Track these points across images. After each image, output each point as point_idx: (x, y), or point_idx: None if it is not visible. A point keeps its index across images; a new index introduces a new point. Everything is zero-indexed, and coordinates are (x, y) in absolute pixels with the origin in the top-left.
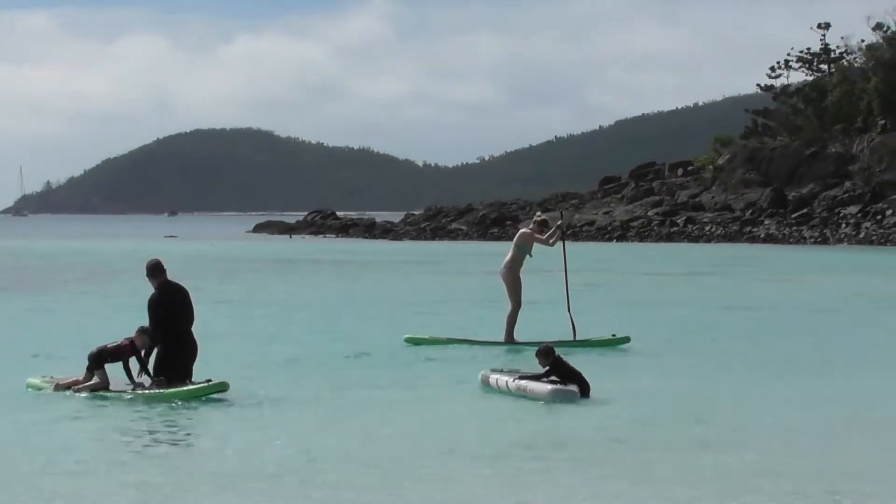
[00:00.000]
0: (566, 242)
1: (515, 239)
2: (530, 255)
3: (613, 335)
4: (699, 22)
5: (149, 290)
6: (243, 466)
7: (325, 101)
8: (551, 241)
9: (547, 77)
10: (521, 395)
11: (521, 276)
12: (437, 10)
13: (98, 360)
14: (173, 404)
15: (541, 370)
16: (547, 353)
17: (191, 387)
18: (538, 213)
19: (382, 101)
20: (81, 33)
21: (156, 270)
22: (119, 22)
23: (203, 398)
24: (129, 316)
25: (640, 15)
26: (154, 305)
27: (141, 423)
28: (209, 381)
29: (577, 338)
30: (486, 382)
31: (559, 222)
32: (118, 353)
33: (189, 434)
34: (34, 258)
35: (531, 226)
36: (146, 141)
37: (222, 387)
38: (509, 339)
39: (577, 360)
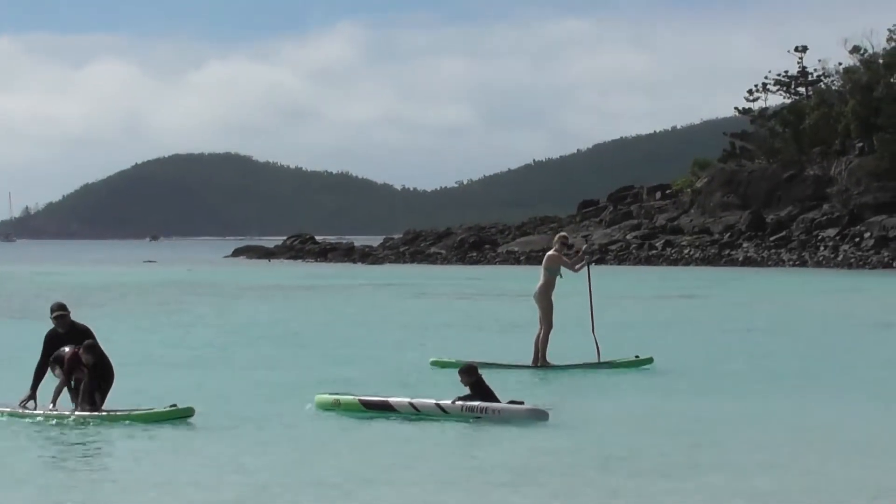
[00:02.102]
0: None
1: (544, 262)
2: (560, 276)
3: (637, 356)
4: (669, 45)
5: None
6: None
7: (298, 125)
8: (577, 267)
9: (518, 100)
10: (464, 416)
11: (552, 299)
12: (405, 34)
13: (56, 361)
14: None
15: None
16: (471, 371)
17: (158, 410)
18: (562, 234)
19: (355, 125)
20: (49, 59)
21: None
22: (87, 48)
23: (168, 422)
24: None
25: (609, 39)
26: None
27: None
28: (174, 405)
29: (602, 359)
30: (332, 405)
31: (586, 257)
32: (66, 359)
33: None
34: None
35: (556, 246)
36: (123, 166)
37: (187, 412)
38: (543, 363)
39: (600, 381)
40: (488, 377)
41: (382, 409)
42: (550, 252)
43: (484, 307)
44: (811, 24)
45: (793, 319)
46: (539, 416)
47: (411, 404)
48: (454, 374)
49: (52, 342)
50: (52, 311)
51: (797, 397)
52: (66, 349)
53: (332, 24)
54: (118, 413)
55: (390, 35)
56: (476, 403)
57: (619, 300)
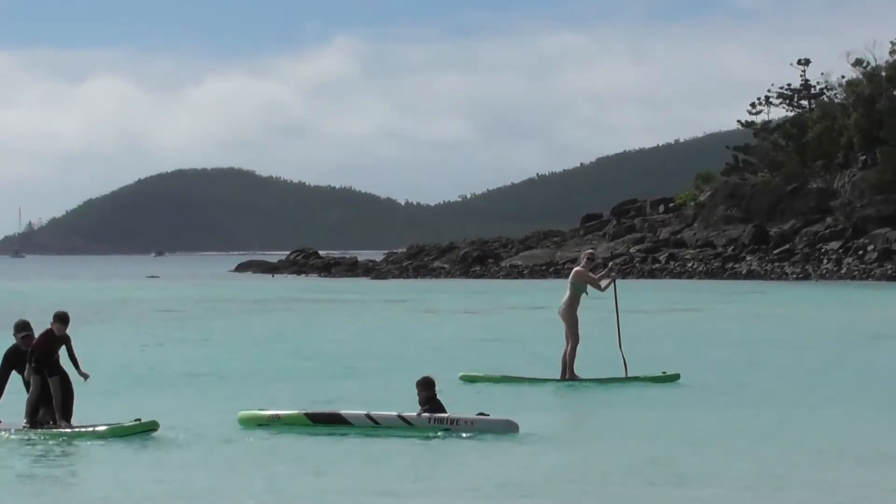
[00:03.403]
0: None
1: (570, 278)
2: (586, 294)
3: (664, 372)
4: (666, 59)
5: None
6: None
7: (297, 139)
8: (603, 285)
9: (516, 114)
10: (432, 428)
11: (578, 314)
12: (400, 49)
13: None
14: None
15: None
16: (428, 384)
17: (124, 425)
18: (588, 250)
19: (353, 140)
20: (47, 75)
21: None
22: (84, 64)
23: (133, 436)
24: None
25: (606, 52)
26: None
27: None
28: (139, 419)
29: (629, 374)
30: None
31: (612, 273)
32: (40, 344)
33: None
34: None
35: (583, 262)
36: (126, 182)
37: (152, 426)
38: (572, 376)
39: (625, 396)
40: (518, 391)
41: (333, 422)
42: (577, 268)
43: (493, 321)
44: (812, 36)
45: (805, 333)
46: (510, 427)
47: (369, 417)
48: (483, 388)
49: (11, 359)
50: (18, 329)
51: (819, 410)
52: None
53: (327, 39)
54: (83, 429)
55: (386, 50)
56: (446, 415)
57: (626, 314)
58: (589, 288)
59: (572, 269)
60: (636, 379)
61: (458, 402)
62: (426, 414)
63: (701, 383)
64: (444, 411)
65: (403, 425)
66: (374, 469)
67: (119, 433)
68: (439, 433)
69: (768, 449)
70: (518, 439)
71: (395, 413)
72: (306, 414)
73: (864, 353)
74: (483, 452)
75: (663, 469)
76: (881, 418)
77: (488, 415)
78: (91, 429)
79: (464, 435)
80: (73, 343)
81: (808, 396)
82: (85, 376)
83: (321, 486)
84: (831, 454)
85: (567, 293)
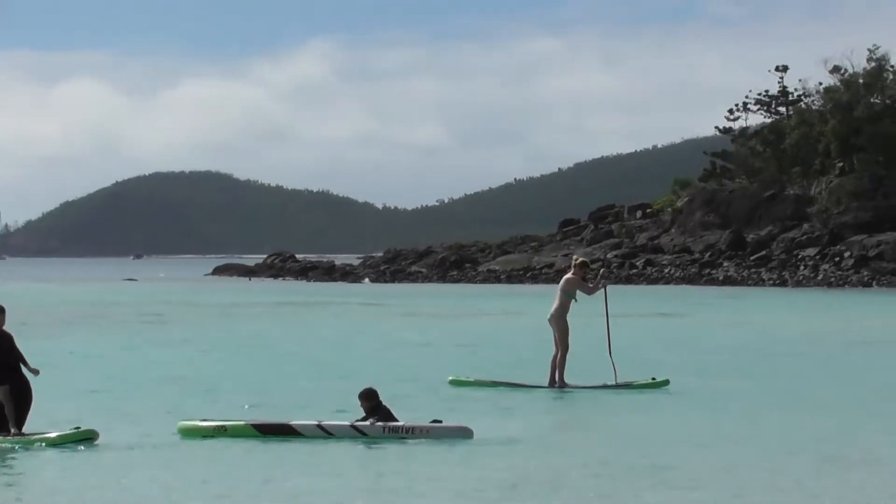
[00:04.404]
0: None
1: (561, 285)
2: (576, 300)
3: (653, 378)
4: (642, 64)
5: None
6: None
7: (274, 143)
8: (594, 291)
9: (493, 120)
10: (387, 437)
11: (568, 321)
12: (375, 54)
13: None
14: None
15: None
16: (370, 395)
17: (58, 434)
18: (575, 257)
19: (330, 144)
20: (21, 78)
21: None
22: (60, 66)
23: (70, 445)
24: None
25: (582, 58)
26: None
27: None
28: (77, 427)
29: (619, 381)
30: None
31: (602, 280)
32: None
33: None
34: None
35: (573, 270)
36: (103, 184)
37: (90, 434)
38: (561, 384)
39: (618, 401)
40: (507, 397)
41: (283, 433)
42: (568, 275)
43: (472, 326)
44: (789, 43)
45: (787, 339)
46: (465, 433)
47: (321, 427)
48: (473, 393)
49: None
50: None
51: (809, 415)
52: None
53: (302, 43)
54: (21, 437)
55: (363, 55)
56: (400, 424)
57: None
58: (578, 293)
59: (562, 276)
60: (627, 385)
61: (448, 406)
62: (380, 423)
63: (689, 389)
64: (395, 419)
65: (356, 435)
66: (326, 478)
67: (58, 442)
68: (394, 441)
69: (755, 452)
70: (475, 445)
71: (347, 423)
72: (254, 425)
73: (847, 360)
74: (439, 458)
75: (641, 473)
76: (870, 423)
77: (441, 421)
78: (30, 437)
79: (419, 442)
80: (15, 341)
81: (796, 402)
82: (35, 372)
83: (269, 496)
84: (821, 458)
85: (556, 301)
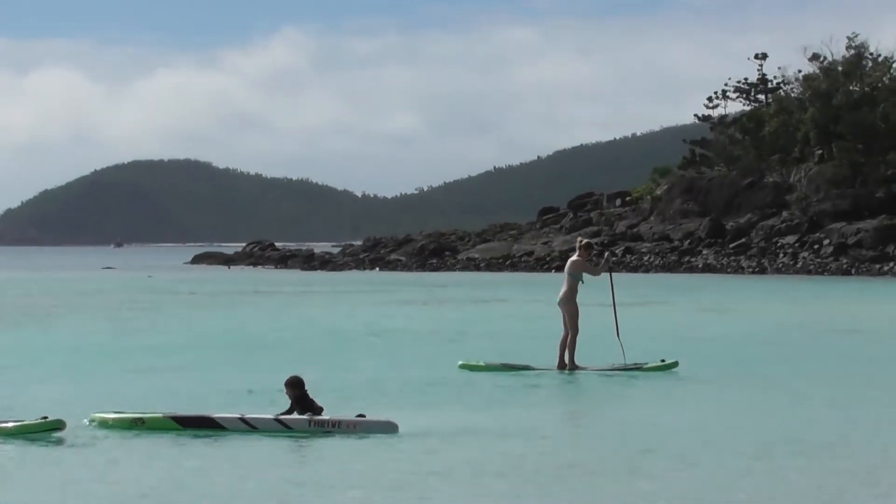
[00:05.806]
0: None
1: (567, 267)
2: (582, 282)
3: (663, 360)
4: (618, 53)
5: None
6: None
7: (249, 132)
8: (599, 271)
9: (468, 108)
10: (312, 431)
11: (577, 303)
12: (347, 42)
13: None
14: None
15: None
16: (297, 384)
17: (26, 423)
18: (580, 239)
19: (305, 133)
20: None
21: None
22: (31, 54)
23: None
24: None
25: (557, 47)
26: None
27: None
28: (45, 417)
29: (628, 363)
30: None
31: (606, 263)
32: None
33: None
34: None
35: (578, 252)
36: (82, 172)
37: (58, 424)
38: (572, 366)
39: (627, 384)
40: (518, 380)
41: (204, 426)
42: (574, 258)
43: (456, 314)
44: (768, 31)
45: (754, 327)
46: (390, 428)
47: (244, 420)
48: (485, 378)
49: None
50: None
51: (811, 400)
52: None
53: (275, 31)
54: None
55: (335, 43)
56: (326, 418)
57: (594, 308)
58: (585, 276)
59: (568, 259)
60: (637, 367)
61: (460, 391)
62: (305, 417)
63: (694, 373)
64: (318, 410)
65: (281, 429)
66: (252, 472)
67: (26, 431)
68: (320, 436)
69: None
70: (403, 438)
71: (271, 416)
72: (173, 417)
73: (834, 346)
74: (365, 450)
75: (642, 460)
76: (866, 409)
77: (364, 416)
78: None
79: (344, 436)
80: None
81: (798, 386)
82: None
83: (195, 491)
84: (797, 444)
85: (565, 284)
